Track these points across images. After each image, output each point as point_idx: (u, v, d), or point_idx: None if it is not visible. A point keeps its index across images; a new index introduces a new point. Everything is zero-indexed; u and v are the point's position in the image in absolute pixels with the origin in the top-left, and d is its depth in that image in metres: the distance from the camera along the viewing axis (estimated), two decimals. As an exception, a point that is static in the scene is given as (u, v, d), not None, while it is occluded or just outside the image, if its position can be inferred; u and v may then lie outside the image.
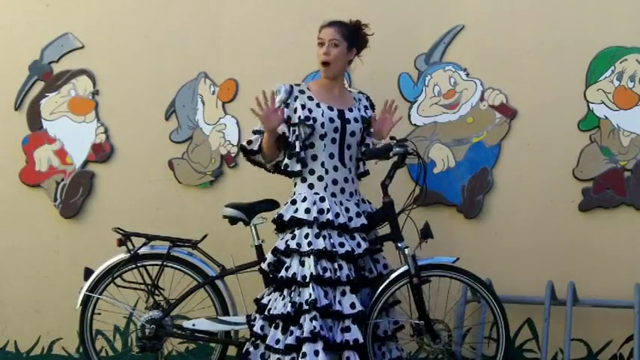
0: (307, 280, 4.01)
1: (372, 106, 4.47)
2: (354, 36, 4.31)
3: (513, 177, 4.78)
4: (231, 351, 4.53)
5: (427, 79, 4.89)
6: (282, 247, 4.14)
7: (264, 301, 4.17)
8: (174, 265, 4.52)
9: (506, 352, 4.23)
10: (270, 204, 4.40)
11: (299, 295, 4.03)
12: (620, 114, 4.67)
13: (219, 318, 4.44)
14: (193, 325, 4.43)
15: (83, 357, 4.71)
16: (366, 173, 4.39)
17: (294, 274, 4.05)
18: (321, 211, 4.11)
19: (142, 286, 4.49)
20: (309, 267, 4.02)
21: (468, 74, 4.85)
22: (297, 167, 4.19)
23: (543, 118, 4.75)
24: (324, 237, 4.07)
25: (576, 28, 4.73)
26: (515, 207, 4.78)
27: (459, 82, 4.86)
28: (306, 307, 3.97)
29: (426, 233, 4.22)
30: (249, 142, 4.32)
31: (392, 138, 4.36)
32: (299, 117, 4.19)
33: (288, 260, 4.12)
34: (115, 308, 4.62)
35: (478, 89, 4.83)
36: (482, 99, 4.83)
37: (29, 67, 5.31)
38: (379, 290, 4.16)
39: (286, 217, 4.15)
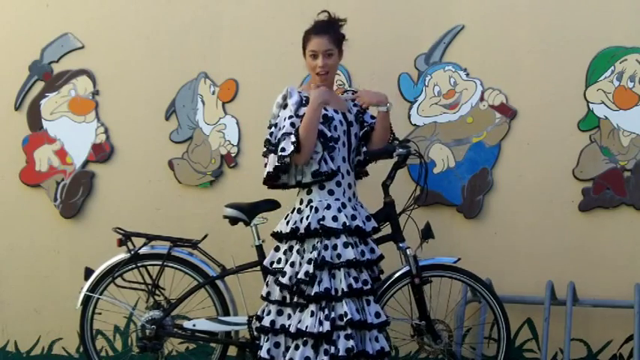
0: (339, 294, 3.89)
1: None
2: (340, 38, 4.19)
3: (513, 177, 4.79)
4: (232, 351, 4.53)
5: (427, 79, 4.89)
6: (316, 259, 3.92)
7: (265, 322, 4.02)
8: (175, 265, 4.52)
9: (506, 352, 4.24)
10: (271, 204, 4.39)
11: (333, 311, 3.89)
12: (620, 114, 4.68)
13: (220, 318, 4.43)
14: (194, 325, 4.42)
15: (83, 357, 4.72)
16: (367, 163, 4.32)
17: (327, 288, 3.89)
18: (346, 218, 3.99)
19: (143, 286, 4.49)
20: (340, 281, 3.90)
21: (468, 74, 4.85)
22: (334, 166, 4.00)
23: (543, 118, 4.75)
24: (352, 245, 3.95)
25: (576, 28, 4.73)
26: (515, 207, 4.78)
27: (459, 82, 4.86)
28: (340, 322, 3.86)
29: (427, 233, 4.23)
30: (281, 157, 3.95)
31: (394, 139, 4.36)
32: (324, 115, 4.06)
33: (319, 274, 3.92)
34: (115, 308, 4.62)
35: (478, 89, 4.83)
36: (482, 99, 4.83)
37: (29, 67, 5.30)
38: (381, 290, 4.17)
39: (313, 227, 3.94)
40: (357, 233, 4.01)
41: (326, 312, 3.88)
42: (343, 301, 3.88)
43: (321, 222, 3.96)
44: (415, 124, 4.89)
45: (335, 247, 3.93)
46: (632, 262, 4.63)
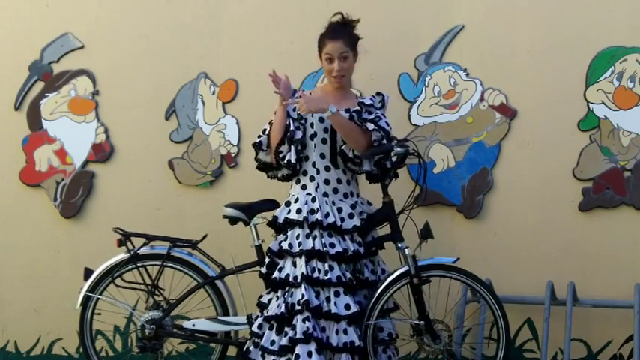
0: (298, 280, 4.03)
1: (383, 105, 4.36)
2: (355, 40, 4.28)
3: (513, 177, 4.78)
4: (231, 351, 4.53)
5: (427, 79, 4.89)
6: (275, 248, 4.18)
7: (264, 299, 4.21)
8: (174, 265, 4.53)
9: (506, 352, 4.23)
10: (270, 204, 4.40)
11: (291, 296, 4.05)
12: (620, 114, 4.67)
13: (219, 318, 4.44)
14: (193, 325, 4.43)
15: (83, 357, 4.72)
16: (371, 172, 4.29)
17: (287, 274, 4.08)
18: (311, 212, 4.13)
19: (142, 286, 4.49)
20: (300, 267, 4.05)
21: (467, 74, 4.85)
22: (294, 158, 4.15)
23: (543, 118, 4.75)
24: (314, 237, 4.08)
25: (576, 28, 4.73)
26: (515, 207, 4.78)
27: (459, 82, 4.86)
28: (298, 307, 3.99)
29: (426, 233, 4.22)
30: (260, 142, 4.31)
31: (393, 138, 4.35)
32: (297, 113, 4.19)
33: (281, 261, 4.15)
34: (115, 308, 4.62)
35: (478, 89, 4.83)
36: (482, 99, 4.83)
37: (29, 67, 5.30)
38: (379, 291, 4.17)
39: (280, 219, 4.19)
40: (321, 226, 4.10)
41: (286, 296, 4.06)
42: (302, 286, 4.01)
43: (287, 215, 4.17)
44: (415, 124, 4.89)
45: (297, 236, 4.11)
46: (632, 262, 4.63)
